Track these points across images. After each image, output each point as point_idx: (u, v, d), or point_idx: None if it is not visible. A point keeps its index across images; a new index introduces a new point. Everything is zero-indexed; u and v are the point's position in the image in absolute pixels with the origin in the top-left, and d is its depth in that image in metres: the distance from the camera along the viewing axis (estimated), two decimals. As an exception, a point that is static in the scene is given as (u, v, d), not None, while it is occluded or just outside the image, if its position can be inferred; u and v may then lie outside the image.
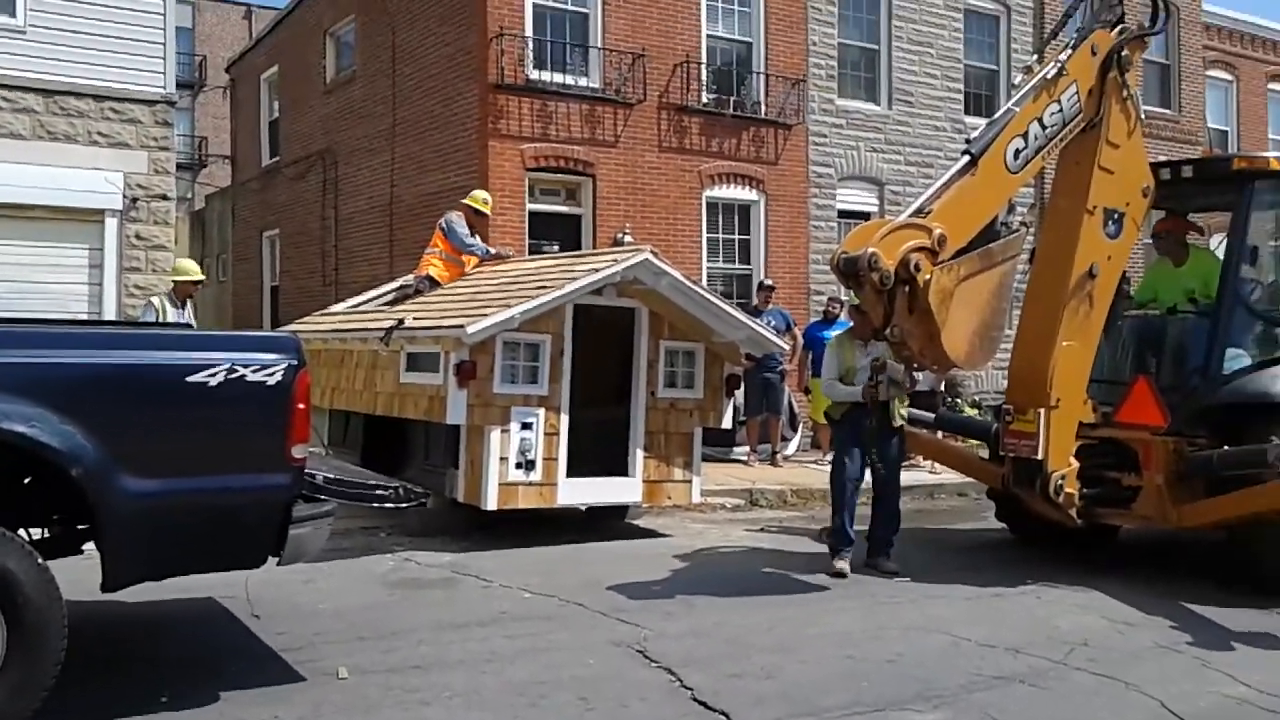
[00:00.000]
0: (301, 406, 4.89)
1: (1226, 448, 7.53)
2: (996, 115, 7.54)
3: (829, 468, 13.14)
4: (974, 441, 10.17)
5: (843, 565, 7.76)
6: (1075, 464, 7.75)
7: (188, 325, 9.54)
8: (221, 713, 4.79)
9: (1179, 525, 7.88)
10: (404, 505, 5.65)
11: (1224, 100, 21.63)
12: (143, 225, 11.85)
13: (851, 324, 8.16)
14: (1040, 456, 7.58)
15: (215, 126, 36.63)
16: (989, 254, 7.17)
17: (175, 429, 4.69)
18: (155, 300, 10.10)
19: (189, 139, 37.06)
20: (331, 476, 5.31)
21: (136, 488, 4.48)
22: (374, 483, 5.64)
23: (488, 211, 10.93)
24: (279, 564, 5.02)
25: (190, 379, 4.66)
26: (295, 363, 4.90)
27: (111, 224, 11.70)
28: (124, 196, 11.71)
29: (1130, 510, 8.03)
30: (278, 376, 4.81)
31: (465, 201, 10.76)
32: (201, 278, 10.16)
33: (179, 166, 15.67)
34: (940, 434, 10.65)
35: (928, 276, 6.64)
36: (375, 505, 5.60)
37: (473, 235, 10.55)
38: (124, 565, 4.63)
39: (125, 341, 5.04)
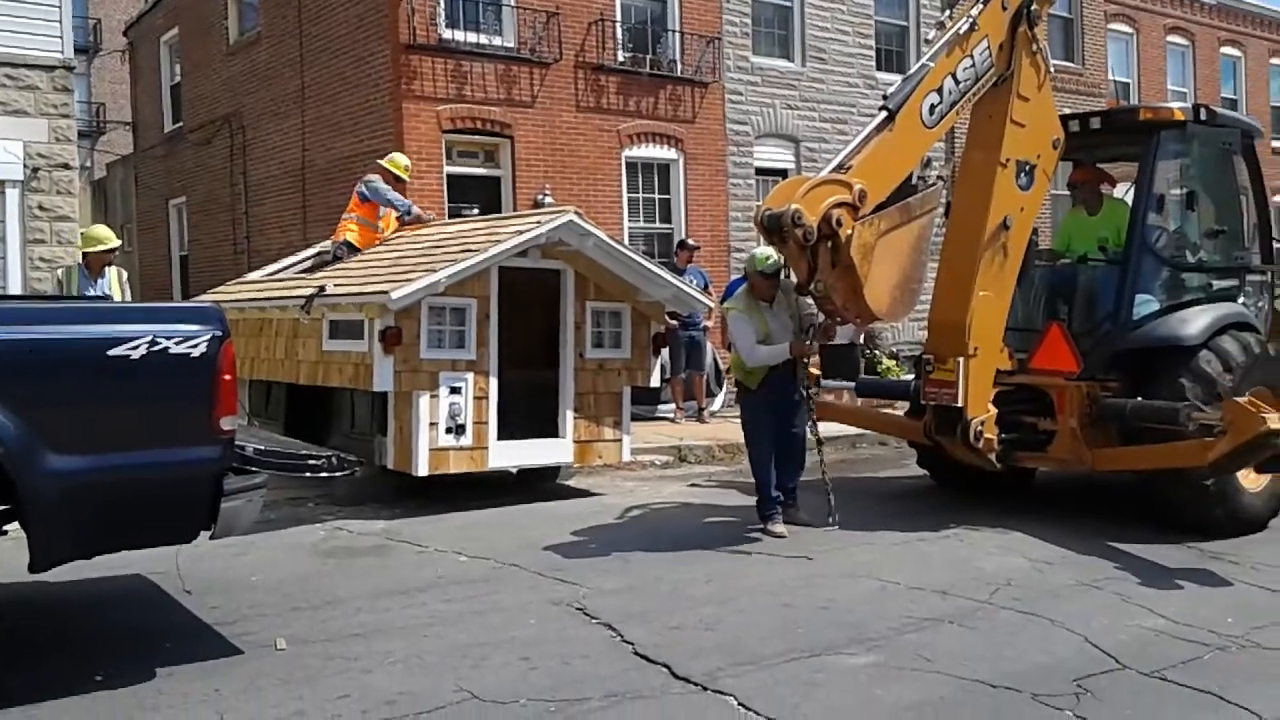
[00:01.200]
0: (228, 378, 4.82)
1: (1140, 399, 7.77)
2: (911, 71, 7.66)
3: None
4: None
5: (779, 528, 7.84)
6: (993, 410, 7.97)
7: (105, 297, 9.12)
8: (159, 689, 4.72)
9: (1094, 468, 8.16)
10: (337, 474, 5.61)
11: (1125, 52, 22.13)
12: (45, 195, 11.44)
13: (749, 286, 8.10)
14: (960, 404, 7.78)
15: (113, 92, 35.37)
16: (907, 208, 7.31)
17: (97, 404, 4.62)
18: (60, 273, 9.65)
19: (87, 105, 35.72)
20: (262, 448, 5.26)
21: (60, 466, 4.40)
22: (305, 453, 5.60)
23: (406, 178, 10.75)
24: (212, 537, 4.97)
25: (111, 353, 4.58)
26: (219, 333, 4.83)
27: (13, 195, 11.28)
28: (24, 166, 11.29)
29: (1046, 454, 8.29)
30: (201, 348, 4.75)
31: (383, 164, 10.57)
32: (115, 244, 9.58)
33: (79, 134, 15.12)
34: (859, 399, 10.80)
35: (849, 232, 6.76)
36: (308, 475, 5.55)
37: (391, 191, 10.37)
38: (51, 545, 4.56)
39: (42, 316, 4.92)
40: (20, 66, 11.26)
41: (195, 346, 4.73)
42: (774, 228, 6.66)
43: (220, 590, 6.32)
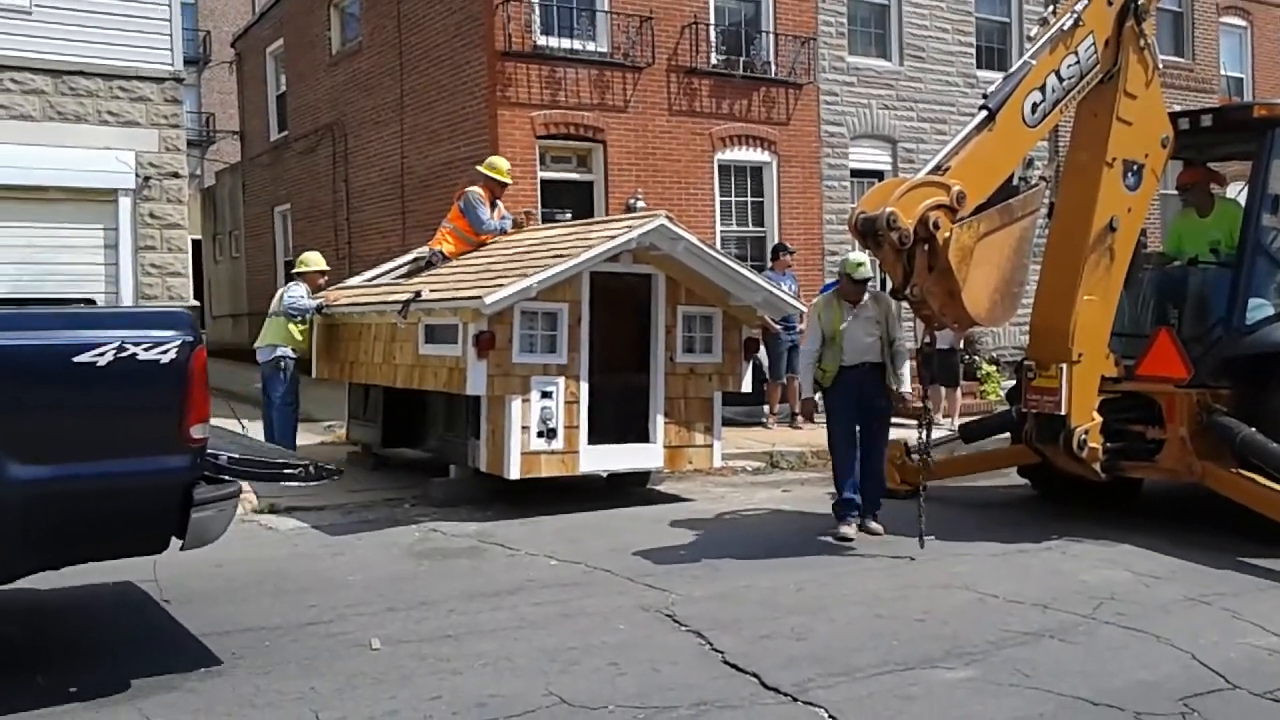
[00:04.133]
0: (199, 384, 4.66)
1: (1255, 432, 7.44)
2: (1013, 69, 7.47)
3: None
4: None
5: (847, 529, 7.73)
6: (1098, 418, 7.73)
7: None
8: (258, 686, 4.82)
9: (1203, 479, 7.85)
10: (314, 483, 5.40)
11: (1238, 46, 21.32)
12: (156, 204, 11.83)
13: (839, 286, 8.14)
14: (1063, 412, 7.56)
15: (222, 102, 36.48)
16: (1008, 210, 7.12)
17: (63, 412, 4.48)
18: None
19: (196, 115, 36.95)
20: (236, 456, 5.06)
21: (24, 475, 4.28)
22: (281, 461, 5.39)
23: (508, 180, 10.74)
24: (182, 548, 4.84)
25: (77, 359, 4.44)
26: (190, 339, 4.65)
27: (125, 203, 11.69)
28: (136, 175, 11.68)
29: (1154, 463, 8.02)
30: (171, 354, 4.59)
31: (482, 169, 10.62)
32: (315, 267, 10.44)
33: (188, 144, 15.64)
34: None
35: (947, 234, 6.60)
36: (283, 484, 5.40)
37: (492, 211, 10.38)
38: (16, 556, 4.44)
39: (5, 322, 4.73)
40: (132, 79, 11.67)
41: (165, 353, 4.58)
42: (868, 230, 6.53)
43: (318, 589, 6.45)
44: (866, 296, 7.90)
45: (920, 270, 6.68)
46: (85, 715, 4.49)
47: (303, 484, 5.48)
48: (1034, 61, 7.23)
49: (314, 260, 10.56)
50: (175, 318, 4.79)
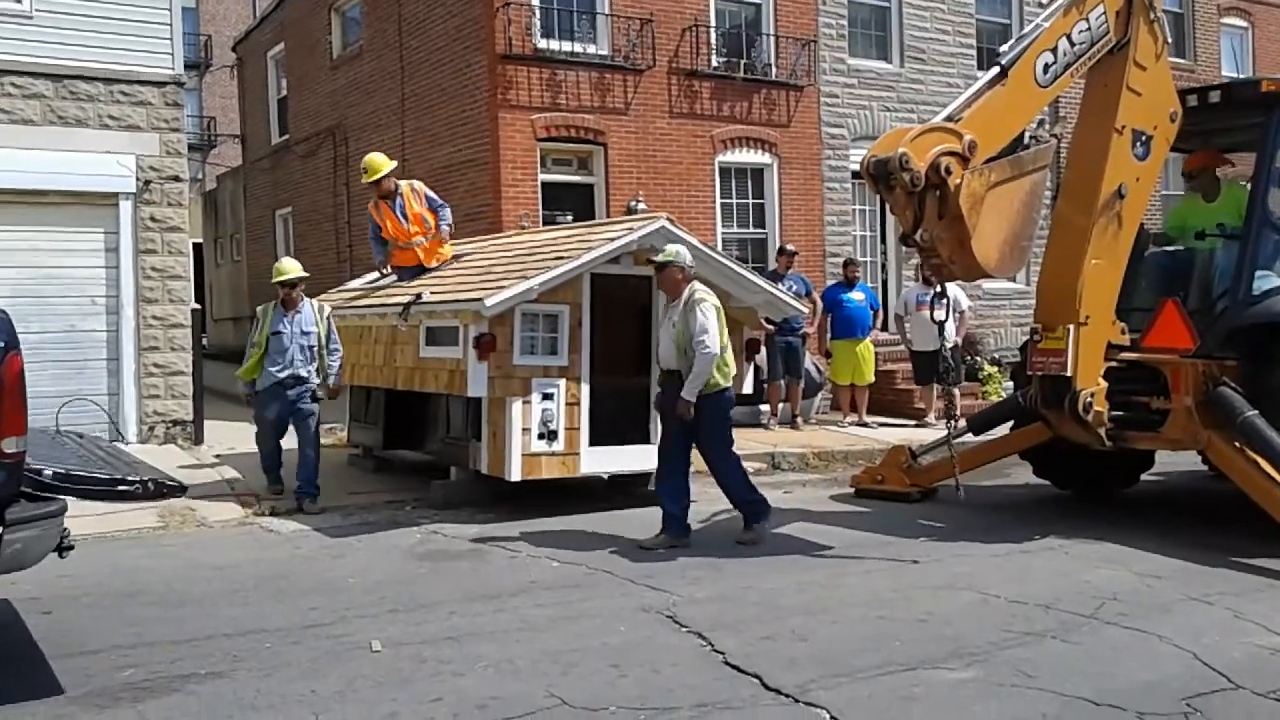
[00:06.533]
0: (11, 394, 4.26)
1: (1258, 415, 7.44)
2: (1026, 30, 7.59)
3: (849, 430, 13.22)
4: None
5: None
6: (1103, 384, 7.75)
7: (304, 334, 8.95)
8: (258, 689, 4.81)
9: (1208, 448, 7.86)
10: (155, 500, 5.09)
11: (1239, 47, 21.30)
12: (157, 207, 11.81)
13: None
14: (1069, 373, 7.58)
15: (223, 106, 36.52)
16: (1019, 162, 7.17)
17: None
18: (260, 310, 9.29)
19: (198, 119, 36.97)
20: (62, 471, 4.64)
21: None
22: (116, 476, 4.93)
23: (376, 176, 10.07)
24: None
25: None
26: (2, 344, 4.27)
27: (126, 207, 11.67)
28: (137, 179, 11.67)
29: (1159, 434, 8.03)
30: None
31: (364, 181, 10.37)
32: (291, 275, 9.11)
33: (190, 147, 15.66)
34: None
35: (958, 181, 6.61)
36: (118, 500, 5.02)
37: (383, 210, 10.10)
38: None
39: None
40: (133, 83, 11.66)
41: None
42: (880, 174, 6.57)
43: (319, 592, 6.45)
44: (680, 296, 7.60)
45: (930, 216, 6.71)
46: (84, 718, 4.48)
47: (141, 502, 5.16)
48: (1046, 24, 7.33)
49: (283, 268, 9.30)
50: None
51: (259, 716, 4.52)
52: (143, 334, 11.70)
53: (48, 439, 5.71)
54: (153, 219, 11.82)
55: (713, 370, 7.43)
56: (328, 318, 9.27)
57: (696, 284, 7.67)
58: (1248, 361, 7.84)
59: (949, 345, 9.64)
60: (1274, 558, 7.01)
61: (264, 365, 8.98)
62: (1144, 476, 9.84)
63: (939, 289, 7.59)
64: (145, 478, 4.95)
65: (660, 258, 7.74)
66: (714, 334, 7.38)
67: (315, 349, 9.08)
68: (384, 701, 4.65)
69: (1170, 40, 8.11)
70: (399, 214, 10.08)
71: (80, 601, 6.20)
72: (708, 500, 9.36)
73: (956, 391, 13.31)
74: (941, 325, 7.60)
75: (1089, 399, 7.63)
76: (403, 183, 10.25)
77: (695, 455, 7.82)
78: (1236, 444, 7.57)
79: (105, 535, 7.82)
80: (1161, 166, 8.29)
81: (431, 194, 10.33)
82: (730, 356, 7.73)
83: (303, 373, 8.98)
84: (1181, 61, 19.35)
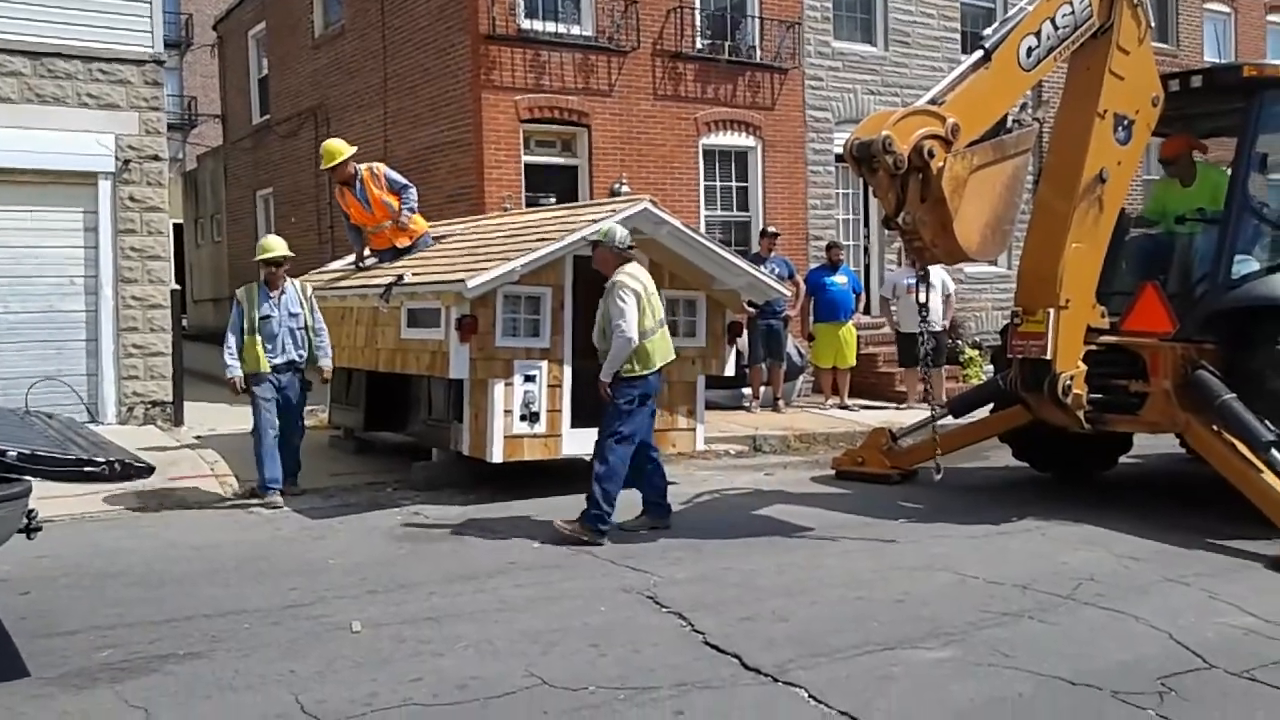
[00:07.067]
0: None
1: (1236, 399, 7.49)
2: (1010, 13, 7.57)
3: (831, 412, 13.26)
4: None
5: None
6: (1083, 367, 7.80)
7: (292, 316, 8.65)
8: (236, 669, 4.81)
9: (1186, 431, 7.92)
10: (122, 481, 4.99)
11: (1222, 33, 21.36)
12: (136, 187, 11.71)
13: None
14: (1049, 356, 7.63)
15: (204, 85, 36.23)
16: (1001, 145, 7.17)
17: None
18: (241, 292, 8.82)
19: (178, 99, 36.68)
20: (27, 451, 4.64)
21: None
22: (83, 457, 4.91)
23: (335, 160, 10.00)
24: None
25: None
26: None
27: (105, 186, 11.56)
28: (116, 159, 11.56)
29: (1138, 417, 8.10)
30: None
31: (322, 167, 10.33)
32: (277, 253, 8.73)
33: (170, 127, 15.53)
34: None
35: (941, 164, 6.62)
36: (85, 481, 5.00)
37: (347, 193, 10.04)
38: None
39: None
40: (112, 61, 11.54)
41: None
42: (863, 156, 6.57)
43: (299, 573, 6.44)
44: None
45: (913, 199, 6.71)
46: (63, 698, 4.47)
47: (108, 483, 5.11)
48: (1030, 7, 7.32)
49: (268, 245, 8.95)
50: None
51: (238, 697, 4.52)
52: (122, 314, 11.62)
53: (16, 419, 5.66)
54: (132, 199, 11.72)
55: (629, 355, 7.28)
56: (310, 297, 8.99)
57: (629, 266, 7.47)
58: (1226, 345, 7.90)
59: (934, 328, 9.68)
60: (1249, 539, 7.07)
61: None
62: (1122, 459, 9.92)
63: (921, 272, 7.60)
64: (112, 458, 4.92)
65: (592, 236, 7.69)
66: (630, 320, 7.21)
67: (303, 331, 8.77)
68: (363, 682, 4.65)
69: (1153, 25, 8.12)
70: (361, 200, 10.03)
71: (59, 582, 6.17)
72: (690, 482, 9.40)
73: (942, 373, 13.41)
74: (924, 308, 7.61)
75: (1068, 382, 7.68)
76: (361, 167, 10.12)
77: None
78: (1214, 427, 7.63)
79: (84, 516, 7.79)
80: (1143, 151, 8.32)
81: (393, 175, 10.18)
82: (655, 346, 7.42)
83: (295, 357, 8.70)
84: (1164, 46, 19.39)
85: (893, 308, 13.58)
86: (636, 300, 7.31)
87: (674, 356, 7.74)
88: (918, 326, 12.67)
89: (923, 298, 7.59)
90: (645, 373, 7.39)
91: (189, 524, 7.85)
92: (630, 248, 7.66)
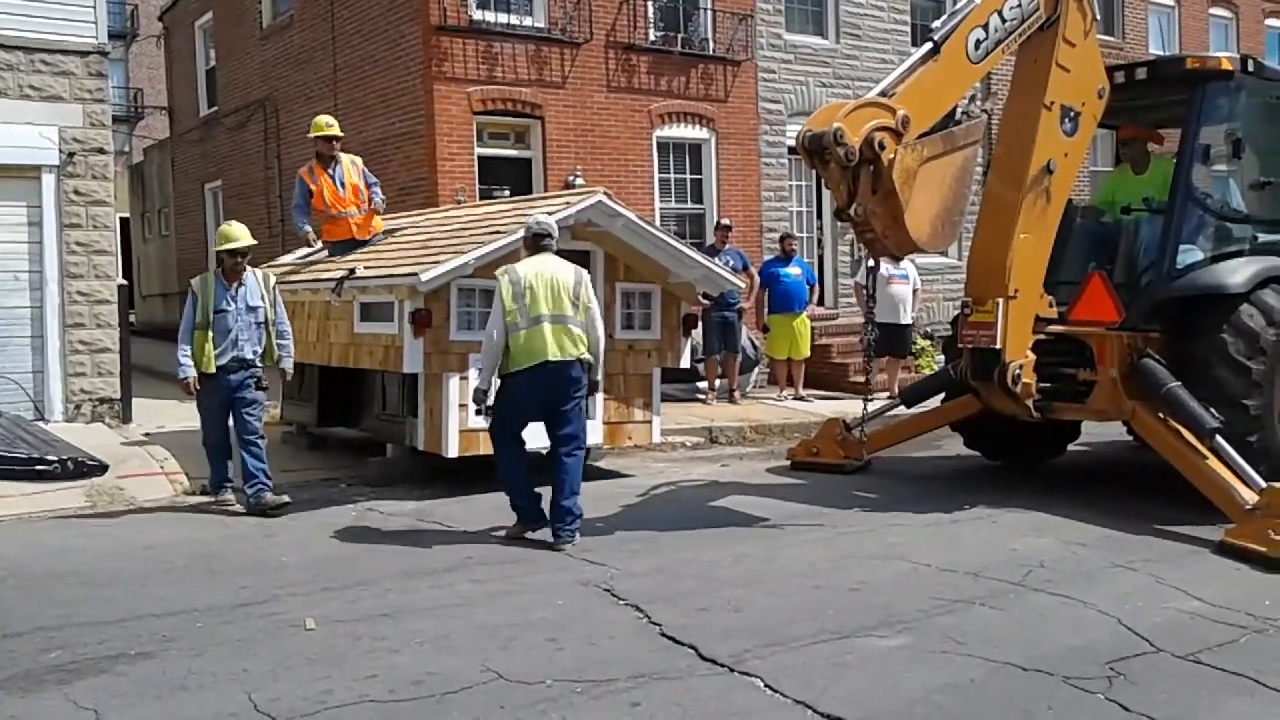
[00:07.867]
0: None
1: (1180, 386, 7.63)
2: (959, 5, 7.67)
3: (786, 404, 13.33)
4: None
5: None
6: (1032, 356, 7.91)
7: (251, 310, 8.03)
8: (189, 669, 4.75)
9: (1132, 419, 8.06)
10: (77, 480, 4.96)
11: (1165, 26, 21.70)
12: (81, 180, 11.50)
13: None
14: (998, 345, 7.74)
15: (150, 77, 35.67)
16: (951, 137, 7.27)
17: None
18: (196, 282, 8.17)
19: (124, 91, 36.09)
20: None
21: None
22: (34, 455, 4.86)
23: (325, 133, 10.02)
24: None
25: None
26: None
27: (49, 180, 11.34)
28: (60, 151, 11.35)
29: (1086, 405, 8.23)
30: None
31: (310, 135, 10.21)
32: (241, 243, 8.08)
33: (115, 119, 15.23)
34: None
35: (892, 155, 6.69)
36: (36, 480, 4.91)
37: (330, 167, 9.94)
38: None
39: None
40: (55, 52, 11.32)
41: None
42: (815, 148, 6.63)
43: (251, 570, 6.37)
44: None
45: (864, 191, 6.80)
46: (9, 702, 4.39)
47: (60, 481, 5.03)
48: (979, 1, 7.37)
49: (231, 234, 8.24)
50: None
51: (190, 696, 4.46)
52: (68, 310, 11.41)
53: None
54: (77, 192, 11.51)
55: (495, 353, 6.94)
56: (273, 288, 8.34)
57: (523, 260, 7.15)
58: (1171, 334, 8.05)
59: (880, 319, 9.77)
60: (1195, 525, 7.21)
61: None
62: (1071, 447, 10.07)
63: (871, 263, 7.68)
64: (64, 456, 4.83)
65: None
66: (494, 316, 6.95)
67: (263, 325, 8.14)
68: (318, 679, 4.61)
69: (1099, 17, 8.26)
70: (337, 182, 9.94)
71: (4, 583, 6.06)
72: (647, 474, 9.42)
73: (899, 364, 13.54)
74: (870, 298, 7.68)
75: (1017, 371, 7.79)
76: (344, 155, 10.16)
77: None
78: (1160, 414, 7.76)
79: (32, 515, 7.64)
80: (1089, 142, 8.44)
81: (367, 171, 10.26)
82: (524, 345, 6.86)
83: (248, 354, 8.00)
84: (1110, 39, 19.69)
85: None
86: (509, 292, 6.86)
87: (563, 355, 6.92)
88: (896, 316, 12.98)
89: (894, 288, 7.69)
90: (514, 369, 6.93)
91: (138, 523, 7.72)
92: (546, 235, 7.21)
